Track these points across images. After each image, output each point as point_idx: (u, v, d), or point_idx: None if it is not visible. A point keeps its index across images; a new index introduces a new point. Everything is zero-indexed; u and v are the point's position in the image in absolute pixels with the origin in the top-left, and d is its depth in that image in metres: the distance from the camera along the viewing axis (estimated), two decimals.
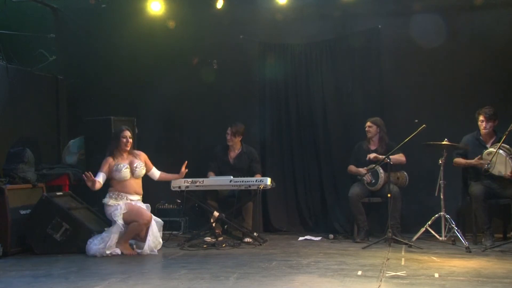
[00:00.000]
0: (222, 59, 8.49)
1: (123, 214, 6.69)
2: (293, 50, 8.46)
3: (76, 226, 6.90)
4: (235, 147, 7.95)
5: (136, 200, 6.93)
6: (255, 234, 7.47)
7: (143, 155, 7.13)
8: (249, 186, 7.29)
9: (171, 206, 8.32)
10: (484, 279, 5.15)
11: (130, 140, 6.98)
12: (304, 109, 8.45)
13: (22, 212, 7.04)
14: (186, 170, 7.21)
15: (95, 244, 6.66)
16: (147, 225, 6.76)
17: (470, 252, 6.47)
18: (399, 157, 7.28)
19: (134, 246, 6.89)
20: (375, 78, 8.13)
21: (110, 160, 6.88)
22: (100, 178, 6.78)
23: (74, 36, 8.86)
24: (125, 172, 6.86)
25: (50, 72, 8.84)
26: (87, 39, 8.72)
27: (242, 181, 7.32)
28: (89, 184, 6.71)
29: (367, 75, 8.16)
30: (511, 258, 6.20)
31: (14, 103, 7.93)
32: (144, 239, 6.76)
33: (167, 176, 7.32)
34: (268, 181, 7.23)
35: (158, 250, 6.91)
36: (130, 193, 6.89)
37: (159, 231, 7.02)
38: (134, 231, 6.74)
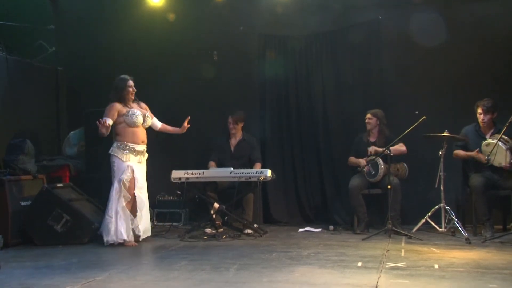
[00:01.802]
0: (222, 51, 8.51)
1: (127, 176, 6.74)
2: (293, 42, 8.46)
3: (76, 217, 6.93)
4: (237, 134, 7.99)
5: (142, 150, 6.92)
6: (255, 225, 7.49)
7: (145, 105, 7.13)
8: (249, 178, 7.29)
9: (171, 197, 8.34)
10: (483, 270, 5.16)
11: (135, 89, 6.97)
12: (304, 101, 8.47)
13: (23, 203, 7.07)
14: (189, 125, 7.19)
15: (107, 235, 6.71)
16: (130, 200, 6.79)
17: (469, 243, 6.47)
18: (399, 147, 7.28)
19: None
20: (376, 70, 8.12)
21: (118, 106, 6.82)
22: (109, 122, 6.72)
23: (74, 27, 8.86)
24: (139, 118, 6.85)
25: (50, 63, 8.86)
26: (86, 30, 8.73)
27: (242, 173, 7.32)
28: (103, 130, 6.61)
29: (367, 67, 8.16)
30: (510, 249, 6.22)
31: (14, 95, 7.94)
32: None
33: (168, 128, 7.31)
34: (268, 172, 7.24)
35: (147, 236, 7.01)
36: (138, 143, 6.87)
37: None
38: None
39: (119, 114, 6.81)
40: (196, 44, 8.53)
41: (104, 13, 8.67)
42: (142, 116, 6.90)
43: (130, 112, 6.82)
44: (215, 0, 8.24)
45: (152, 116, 7.16)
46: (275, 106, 8.55)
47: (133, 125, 6.82)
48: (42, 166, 7.78)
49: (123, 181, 6.73)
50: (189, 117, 7.18)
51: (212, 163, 7.85)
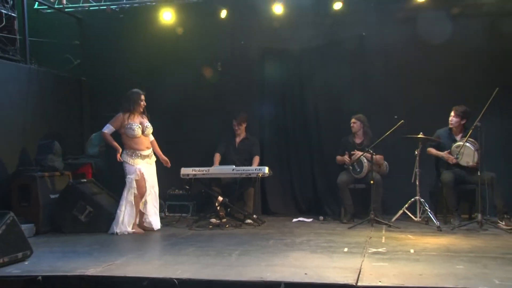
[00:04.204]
0: (225, 62, 8.49)
1: (135, 180, 6.84)
2: (289, 55, 8.43)
3: (98, 209, 6.97)
4: (241, 134, 8.00)
5: (148, 154, 7.03)
6: (254, 216, 7.49)
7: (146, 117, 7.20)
8: (249, 174, 7.28)
9: (181, 191, 8.35)
10: (452, 253, 5.22)
11: (145, 103, 7.09)
12: (298, 106, 8.45)
13: (52, 196, 7.12)
14: (169, 165, 7.26)
15: (115, 225, 6.80)
16: (142, 197, 6.91)
17: (441, 230, 6.52)
18: (380, 160, 7.34)
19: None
20: (361, 79, 8.10)
21: (123, 117, 6.96)
22: (108, 130, 6.94)
23: (96, 43, 8.88)
24: (138, 130, 6.94)
25: (75, 74, 8.87)
26: (106, 45, 8.78)
27: (243, 170, 7.32)
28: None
29: (353, 76, 8.13)
30: (475, 235, 6.27)
31: (43, 102, 7.95)
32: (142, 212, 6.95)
33: (156, 147, 7.29)
34: (266, 169, 7.23)
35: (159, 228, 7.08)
36: (142, 149, 6.98)
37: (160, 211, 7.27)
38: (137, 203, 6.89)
39: (122, 125, 6.96)
40: (202, 55, 8.49)
41: (122, 30, 8.66)
42: (140, 128, 6.97)
43: (128, 126, 6.93)
44: (220, 18, 8.24)
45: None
46: (273, 111, 8.51)
47: (132, 136, 6.93)
48: (68, 164, 7.78)
49: (133, 181, 6.83)
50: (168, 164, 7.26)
51: (217, 155, 7.88)
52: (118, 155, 6.88)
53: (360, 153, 7.28)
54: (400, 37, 7.93)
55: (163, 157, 7.26)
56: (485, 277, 4.27)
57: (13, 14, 7.78)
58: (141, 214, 7.02)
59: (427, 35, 7.79)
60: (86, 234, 6.78)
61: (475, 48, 7.68)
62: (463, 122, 7.10)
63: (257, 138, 8.20)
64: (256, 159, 7.83)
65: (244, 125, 7.98)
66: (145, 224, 7.03)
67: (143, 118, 7.12)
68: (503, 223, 6.66)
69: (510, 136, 7.50)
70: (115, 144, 6.94)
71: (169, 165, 7.26)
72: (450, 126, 7.18)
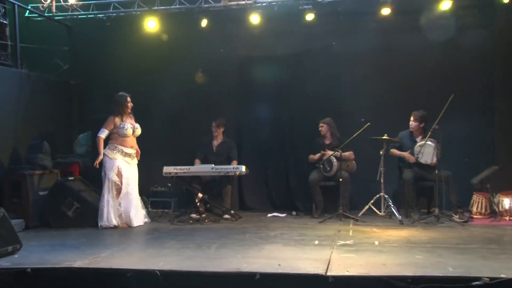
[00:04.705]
0: (206, 69, 8.42)
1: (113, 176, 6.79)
2: (266, 62, 8.37)
3: (84, 205, 6.93)
4: (219, 137, 7.93)
5: (131, 153, 6.99)
6: (232, 211, 7.48)
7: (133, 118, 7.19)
8: (227, 173, 7.29)
9: (163, 188, 8.28)
10: (412, 244, 5.30)
11: (132, 104, 7.08)
12: (274, 110, 8.45)
13: (41, 193, 7.06)
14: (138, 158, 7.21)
15: (100, 219, 6.74)
16: (119, 193, 6.84)
17: (402, 224, 6.60)
18: (349, 155, 7.38)
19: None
20: (332, 85, 8.12)
21: (116, 119, 6.94)
22: (103, 134, 6.90)
23: (84, 49, 8.80)
24: (129, 130, 6.94)
25: (64, 78, 8.79)
26: (94, 51, 8.70)
27: (222, 168, 7.32)
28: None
29: (325, 82, 8.15)
30: (432, 228, 6.37)
31: (34, 104, 7.87)
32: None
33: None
34: (243, 168, 7.25)
35: (145, 222, 7.03)
36: (127, 147, 6.96)
37: (142, 208, 7.17)
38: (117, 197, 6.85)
39: (114, 126, 6.93)
40: (184, 62, 8.42)
41: (109, 37, 8.57)
42: (131, 129, 6.98)
43: (121, 125, 6.92)
44: (201, 27, 8.18)
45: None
46: (250, 114, 8.52)
47: (123, 135, 6.92)
48: (56, 162, 7.70)
49: (110, 178, 6.78)
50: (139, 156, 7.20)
51: (197, 161, 7.84)
52: (97, 161, 6.84)
53: (331, 152, 7.31)
54: (366, 47, 7.98)
55: (137, 148, 7.20)
56: (440, 266, 4.34)
57: (5, 22, 7.80)
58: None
59: (390, 45, 7.92)
60: (73, 228, 6.71)
61: (433, 58, 7.80)
62: (421, 125, 7.19)
63: (234, 140, 8.16)
64: (234, 163, 7.77)
65: (221, 129, 7.93)
66: (121, 221, 6.90)
67: (131, 118, 7.11)
68: (457, 216, 6.79)
69: (464, 137, 7.60)
70: (101, 151, 6.88)
71: (138, 157, 7.18)
72: (410, 129, 7.27)
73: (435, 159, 6.81)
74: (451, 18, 7.61)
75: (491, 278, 3.87)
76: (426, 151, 6.87)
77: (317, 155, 7.54)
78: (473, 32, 7.60)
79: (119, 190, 6.86)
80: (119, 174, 6.85)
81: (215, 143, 7.98)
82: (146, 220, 7.18)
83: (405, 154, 7.18)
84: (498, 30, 7.60)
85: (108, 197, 6.77)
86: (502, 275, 3.92)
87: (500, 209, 6.90)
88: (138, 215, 7.02)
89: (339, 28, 8.07)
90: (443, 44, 7.76)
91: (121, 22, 8.52)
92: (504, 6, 7.35)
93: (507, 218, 6.83)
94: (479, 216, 6.99)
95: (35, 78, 8.02)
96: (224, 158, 7.86)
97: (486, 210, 7.01)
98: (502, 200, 6.92)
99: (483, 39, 7.61)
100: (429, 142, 6.85)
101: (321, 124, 7.65)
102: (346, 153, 7.29)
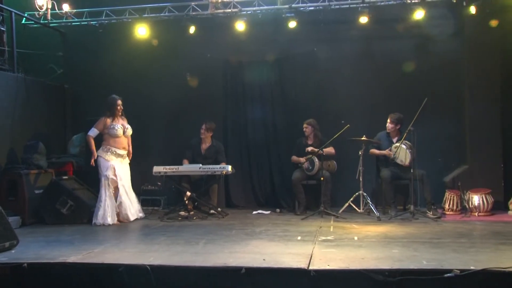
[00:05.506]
0: (194, 72, 8.40)
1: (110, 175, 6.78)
2: (250, 66, 8.41)
3: (78, 203, 6.90)
4: (207, 140, 7.83)
5: (123, 154, 6.98)
6: (219, 209, 7.47)
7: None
8: (215, 172, 7.26)
9: (153, 187, 8.27)
10: (389, 239, 5.33)
11: (122, 107, 7.05)
12: (258, 112, 8.42)
13: (36, 191, 7.01)
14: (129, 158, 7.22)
15: (95, 217, 6.71)
16: (116, 191, 6.84)
17: (380, 220, 6.64)
18: (330, 150, 7.37)
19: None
20: (313, 88, 8.16)
21: (107, 120, 6.91)
22: (93, 133, 6.88)
23: (77, 54, 8.74)
24: (120, 130, 6.91)
25: (58, 82, 8.74)
26: (87, 56, 8.65)
27: (209, 168, 7.29)
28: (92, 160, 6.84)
29: (306, 85, 8.19)
30: (408, 223, 6.42)
31: (30, 106, 7.83)
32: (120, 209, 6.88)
33: (129, 143, 7.22)
34: (229, 167, 7.24)
35: (140, 217, 7.05)
36: (119, 148, 6.94)
37: (138, 203, 7.21)
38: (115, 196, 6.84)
39: (105, 127, 6.89)
40: (173, 66, 8.40)
41: (101, 43, 8.52)
42: (121, 129, 6.95)
43: (111, 126, 6.89)
44: (188, 32, 8.13)
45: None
46: (235, 115, 8.50)
47: (114, 136, 6.89)
48: (51, 162, 7.66)
49: (108, 176, 6.76)
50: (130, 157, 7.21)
51: (185, 161, 7.76)
52: (92, 160, 6.82)
53: (315, 149, 7.31)
54: (346, 53, 8.05)
55: (130, 150, 7.20)
56: (415, 259, 4.39)
57: (2, 28, 7.83)
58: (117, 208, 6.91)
59: (368, 52, 7.98)
60: (67, 225, 6.69)
61: (408, 63, 7.84)
62: (398, 127, 7.23)
63: (221, 143, 8.10)
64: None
65: (210, 134, 7.82)
66: (120, 217, 6.93)
67: (123, 120, 7.08)
68: (431, 213, 6.85)
69: (436, 138, 7.68)
70: (93, 149, 6.86)
71: (130, 157, 7.19)
72: (387, 130, 7.32)
73: (408, 161, 6.85)
74: (424, 27, 7.71)
75: (462, 270, 3.93)
76: (401, 153, 6.93)
77: (301, 159, 7.53)
78: (444, 40, 7.70)
79: (116, 188, 6.84)
80: (115, 174, 6.84)
81: (204, 146, 7.85)
82: (140, 214, 7.18)
83: (385, 152, 7.19)
84: (467, 39, 7.71)
85: (105, 196, 6.73)
86: (472, 267, 3.98)
87: (470, 205, 6.99)
88: (133, 210, 7.04)
89: (320, 35, 8.11)
90: (417, 51, 7.86)
91: (113, 29, 8.49)
92: (472, 17, 7.49)
93: (476, 214, 6.93)
94: (451, 212, 7.09)
95: (31, 82, 7.96)
96: (211, 161, 7.75)
97: (457, 206, 7.10)
98: (472, 197, 7.02)
99: (453, 46, 7.75)
100: (403, 146, 6.90)
101: (305, 125, 7.65)
102: (327, 148, 7.27)
